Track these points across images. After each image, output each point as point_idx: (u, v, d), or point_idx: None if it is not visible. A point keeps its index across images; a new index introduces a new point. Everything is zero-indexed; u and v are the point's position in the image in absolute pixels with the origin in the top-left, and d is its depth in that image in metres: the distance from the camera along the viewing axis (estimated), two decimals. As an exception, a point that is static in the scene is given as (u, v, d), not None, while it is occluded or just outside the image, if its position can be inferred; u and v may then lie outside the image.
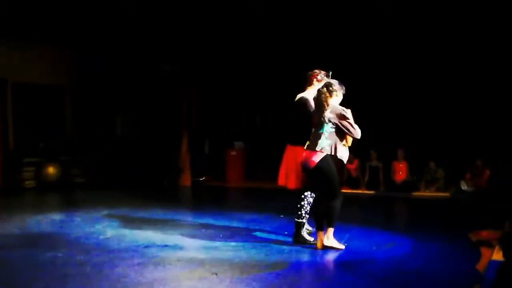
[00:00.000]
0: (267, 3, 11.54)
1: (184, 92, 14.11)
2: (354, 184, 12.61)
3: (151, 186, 13.24)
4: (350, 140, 6.06)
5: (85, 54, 14.13)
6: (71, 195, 12.07)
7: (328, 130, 5.90)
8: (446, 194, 11.78)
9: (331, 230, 6.00)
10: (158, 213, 8.75)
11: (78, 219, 8.18)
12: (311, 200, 6.40)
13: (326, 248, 5.96)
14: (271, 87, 14.81)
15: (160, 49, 13.69)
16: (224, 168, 14.52)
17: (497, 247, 5.70)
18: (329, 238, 6.01)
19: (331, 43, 12.48)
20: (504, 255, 3.59)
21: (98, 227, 7.43)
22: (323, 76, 6.56)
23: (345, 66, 12.07)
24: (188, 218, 8.70)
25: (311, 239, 6.33)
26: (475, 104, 12.33)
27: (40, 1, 11.45)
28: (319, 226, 6.05)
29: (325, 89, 5.99)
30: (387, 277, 5.02)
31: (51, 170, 12.87)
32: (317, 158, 5.87)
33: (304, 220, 6.39)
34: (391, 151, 12.58)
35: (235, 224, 7.76)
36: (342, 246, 6.06)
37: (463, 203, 10.97)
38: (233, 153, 14.58)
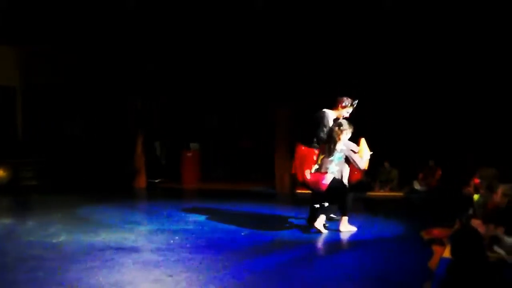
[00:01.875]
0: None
1: (139, 93, 13.94)
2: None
3: (106, 188, 13.02)
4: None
5: (37, 54, 13.81)
6: (23, 198, 11.74)
7: (338, 158, 7.11)
8: (400, 194, 12.01)
9: (345, 219, 7.18)
10: (113, 216, 8.62)
11: (31, 222, 7.98)
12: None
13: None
14: (227, 89, 14.83)
15: (114, 47, 13.48)
16: (180, 169, 14.42)
17: (448, 245, 5.86)
18: (345, 225, 7.18)
19: (286, 46, 12.53)
20: (452, 252, 3.68)
21: (52, 230, 7.25)
22: (347, 103, 7.68)
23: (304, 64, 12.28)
24: (144, 220, 8.62)
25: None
26: (427, 107, 12.64)
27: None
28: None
29: (337, 128, 7.17)
30: (338, 275, 5.07)
31: (0, 172, 12.53)
32: (327, 180, 7.03)
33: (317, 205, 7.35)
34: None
35: (190, 225, 7.73)
36: (354, 228, 7.21)
37: (415, 202, 11.22)
38: (189, 154, 14.49)
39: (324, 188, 7.07)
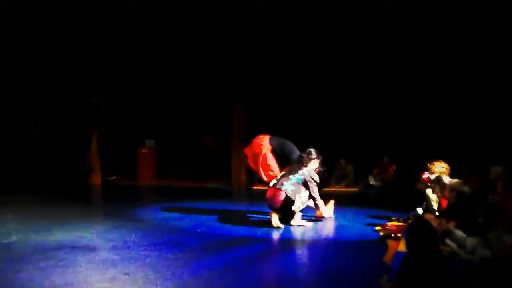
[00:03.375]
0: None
1: (94, 91, 13.71)
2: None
3: (59, 186, 12.74)
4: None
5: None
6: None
7: (297, 179, 7.38)
8: (355, 189, 12.20)
9: (298, 214, 7.41)
10: (67, 214, 8.44)
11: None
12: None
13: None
14: (187, 87, 14.78)
15: (63, 42, 13.19)
16: (135, 166, 14.25)
17: (402, 239, 5.98)
18: (295, 219, 7.36)
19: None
20: (407, 245, 3.76)
21: (2, 230, 7.02)
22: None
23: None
24: (98, 218, 8.48)
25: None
26: (383, 106, 12.88)
27: None
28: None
29: (306, 155, 7.66)
30: (294, 271, 5.11)
31: None
32: (281, 197, 7.22)
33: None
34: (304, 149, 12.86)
35: (146, 223, 7.66)
36: (308, 224, 7.44)
37: (370, 197, 11.41)
38: (144, 151, 14.33)
39: (278, 204, 7.24)
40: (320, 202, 7.58)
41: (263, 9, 11.64)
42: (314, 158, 7.70)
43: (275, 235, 6.93)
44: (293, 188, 7.31)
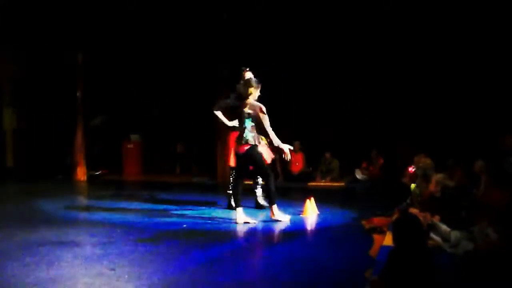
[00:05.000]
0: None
1: (79, 85, 13.56)
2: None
3: (44, 181, 12.65)
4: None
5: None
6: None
7: (249, 124, 6.89)
8: (341, 184, 12.24)
9: (275, 207, 7.09)
10: (52, 210, 8.39)
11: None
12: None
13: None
14: (169, 79, 14.71)
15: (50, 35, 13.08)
16: (121, 161, 14.19)
17: (387, 233, 6.02)
18: (276, 214, 7.09)
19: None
20: (394, 239, 3.78)
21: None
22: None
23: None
24: (84, 213, 8.43)
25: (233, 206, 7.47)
26: (370, 99, 12.91)
27: None
28: (237, 204, 7.09)
29: (241, 88, 7.07)
30: (280, 265, 5.11)
31: None
32: (246, 148, 6.89)
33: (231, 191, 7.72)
34: (288, 143, 12.86)
35: (132, 218, 7.62)
36: (287, 218, 7.18)
37: (356, 191, 11.46)
38: (130, 145, 14.26)
39: (242, 152, 6.96)
40: (273, 136, 6.92)
41: (263, 9, 11.71)
42: (253, 86, 7.03)
43: (262, 229, 6.93)
44: (252, 134, 6.95)
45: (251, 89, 6.99)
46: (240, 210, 7.08)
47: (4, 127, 14.50)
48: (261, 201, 8.28)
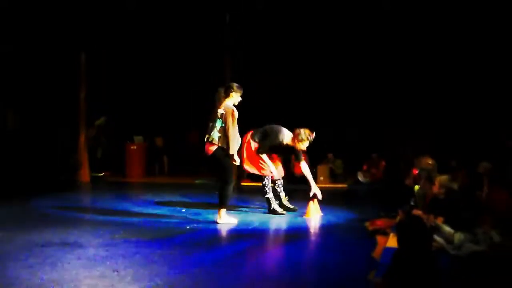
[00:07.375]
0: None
1: (82, 85, 13.55)
2: (258, 176, 12.74)
3: (47, 182, 12.65)
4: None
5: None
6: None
7: (219, 124, 6.95)
8: (344, 185, 12.22)
9: (223, 210, 7.08)
10: (55, 211, 8.40)
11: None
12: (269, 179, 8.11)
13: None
14: (169, 79, 14.77)
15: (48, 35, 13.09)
16: (124, 163, 14.20)
17: (391, 235, 6.01)
18: (221, 217, 7.08)
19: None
20: (398, 241, 3.78)
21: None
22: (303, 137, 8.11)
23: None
24: (88, 215, 8.43)
25: (280, 210, 7.98)
26: (371, 101, 12.91)
27: None
28: (225, 204, 7.15)
29: (222, 90, 7.16)
30: (282, 267, 5.11)
31: None
32: (212, 149, 6.96)
33: (269, 195, 8.02)
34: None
35: (135, 219, 7.62)
36: (235, 221, 7.16)
37: (359, 193, 11.44)
38: (133, 147, 14.27)
39: (209, 153, 7.04)
40: (232, 144, 6.92)
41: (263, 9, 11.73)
42: (234, 90, 7.14)
43: (265, 230, 6.93)
44: (219, 134, 6.96)
45: (232, 93, 7.12)
46: (224, 210, 7.12)
47: (7, 128, 14.49)
48: (287, 203, 8.32)
